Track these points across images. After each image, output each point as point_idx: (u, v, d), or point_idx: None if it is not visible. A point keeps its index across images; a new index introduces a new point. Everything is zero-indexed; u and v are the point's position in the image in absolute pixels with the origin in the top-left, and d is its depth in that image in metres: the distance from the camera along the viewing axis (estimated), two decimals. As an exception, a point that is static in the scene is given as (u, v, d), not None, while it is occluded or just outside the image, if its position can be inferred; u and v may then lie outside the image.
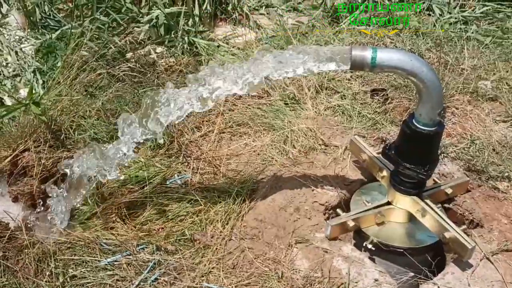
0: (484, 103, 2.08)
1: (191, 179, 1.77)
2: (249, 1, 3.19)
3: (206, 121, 2.01)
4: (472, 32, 2.62)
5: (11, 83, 2.46)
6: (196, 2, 2.78)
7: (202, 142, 1.92)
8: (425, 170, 1.43)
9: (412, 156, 1.44)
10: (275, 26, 2.93)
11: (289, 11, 3.23)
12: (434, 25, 2.68)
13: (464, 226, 1.50)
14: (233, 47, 2.66)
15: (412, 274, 1.44)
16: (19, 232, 1.57)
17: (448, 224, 1.43)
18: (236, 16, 3.00)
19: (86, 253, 1.50)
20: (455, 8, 2.99)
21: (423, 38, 2.51)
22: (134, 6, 2.64)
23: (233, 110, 2.07)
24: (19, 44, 2.74)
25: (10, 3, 2.82)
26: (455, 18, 2.86)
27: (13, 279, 1.42)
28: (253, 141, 1.91)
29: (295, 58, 1.30)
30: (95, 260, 1.47)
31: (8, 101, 2.23)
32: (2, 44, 2.66)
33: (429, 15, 2.97)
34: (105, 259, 1.48)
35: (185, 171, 1.80)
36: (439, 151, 1.69)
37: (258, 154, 1.84)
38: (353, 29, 2.71)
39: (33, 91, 1.80)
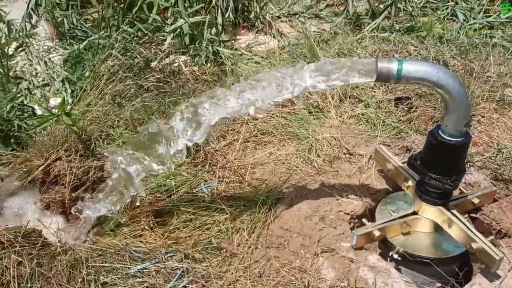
0: (511, 111, 2.06)
1: (217, 187, 1.80)
2: (271, 8, 3.22)
3: (231, 130, 2.03)
4: (498, 38, 2.59)
5: (41, 92, 2.53)
6: (219, 11, 2.83)
7: (227, 151, 1.95)
8: (452, 181, 1.43)
9: (438, 166, 1.44)
10: (298, 33, 2.95)
11: (310, 18, 3.25)
12: (458, 32, 2.67)
13: (491, 237, 1.49)
14: (256, 56, 2.69)
15: (439, 284, 1.44)
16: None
17: (475, 234, 1.43)
18: (258, 24, 3.03)
19: (116, 261, 1.53)
20: (479, 13, 2.97)
21: (448, 45, 2.49)
22: (159, 16, 2.69)
23: (257, 119, 2.09)
24: (48, 54, 2.81)
25: (39, 14, 2.90)
26: (480, 24, 2.84)
27: (47, 285, 1.47)
28: (277, 150, 1.93)
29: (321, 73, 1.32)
30: (125, 267, 1.51)
31: (39, 111, 2.30)
32: (31, 54, 2.74)
33: (453, 20, 2.95)
34: (135, 266, 1.51)
35: (211, 180, 1.83)
36: (465, 161, 1.68)
37: (283, 163, 1.86)
38: (376, 36, 2.71)
39: (64, 102, 1.86)
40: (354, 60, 1.35)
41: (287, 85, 1.35)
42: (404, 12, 3.09)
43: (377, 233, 1.52)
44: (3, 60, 2.32)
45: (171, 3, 2.65)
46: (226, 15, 2.90)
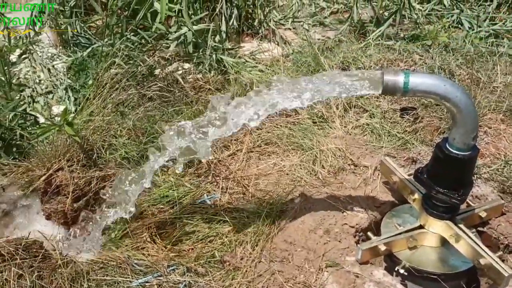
0: (518, 121, 2.04)
1: (220, 199, 1.78)
2: (275, 16, 3.21)
3: (235, 140, 2.01)
4: (504, 47, 2.57)
5: (44, 99, 2.52)
6: (223, 19, 2.81)
7: (230, 161, 1.93)
8: (459, 195, 1.40)
9: (445, 180, 1.42)
10: (302, 41, 2.93)
11: (315, 25, 3.23)
12: (464, 40, 2.64)
13: (500, 252, 1.47)
14: (259, 64, 2.68)
15: (446, 300, 1.42)
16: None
17: (484, 250, 1.40)
18: (262, 31, 3.02)
19: (118, 274, 1.51)
20: (485, 21, 2.95)
21: (453, 54, 2.47)
22: (163, 25, 2.68)
23: (261, 129, 2.07)
24: (51, 61, 2.81)
25: (43, 21, 2.90)
26: (486, 32, 2.81)
27: (48, 299, 1.45)
28: (281, 160, 1.91)
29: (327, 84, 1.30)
30: (127, 280, 1.49)
31: (42, 119, 2.28)
32: (35, 61, 2.74)
33: (459, 28, 2.93)
34: (137, 280, 1.49)
35: (214, 191, 1.81)
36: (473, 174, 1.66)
37: (287, 174, 1.84)
38: (380, 44, 2.70)
39: (67, 112, 1.84)
40: (360, 73, 1.33)
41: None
42: (409, 19, 3.07)
43: (382, 248, 1.49)
44: (6, 68, 2.31)
45: (175, 11, 2.64)
46: (230, 23, 2.89)
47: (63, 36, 2.86)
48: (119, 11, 2.71)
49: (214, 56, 2.55)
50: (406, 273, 1.47)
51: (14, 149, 2.00)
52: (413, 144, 1.94)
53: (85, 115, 2.05)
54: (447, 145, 1.37)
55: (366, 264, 1.50)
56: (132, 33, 2.63)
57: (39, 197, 1.85)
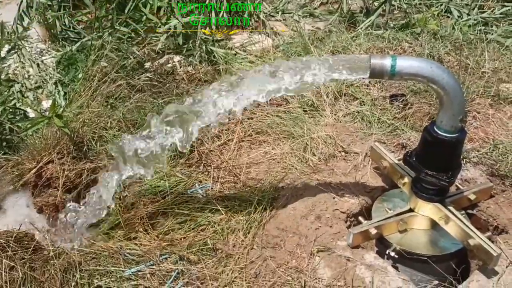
0: (506, 106, 2.05)
1: (211, 188, 1.78)
2: (265, 7, 3.20)
3: (226, 130, 2.02)
4: (492, 34, 2.58)
5: (34, 95, 2.51)
6: (213, 11, 2.81)
7: (222, 151, 1.93)
8: (448, 177, 1.42)
9: (434, 163, 1.43)
10: (292, 32, 2.93)
11: (305, 16, 3.23)
12: (453, 28, 2.65)
13: (488, 233, 1.48)
14: (250, 55, 2.68)
15: (436, 282, 1.43)
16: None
17: (473, 231, 1.42)
18: (252, 23, 3.01)
19: (110, 264, 1.52)
20: (474, 9, 2.96)
21: (442, 42, 2.48)
22: (153, 16, 2.67)
23: (252, 118, 2.07)
24: (40, 56, 2.79)
25: (31, 16, 2.88)
26: (475, 20, 2.83)
27: (40, 290, 1.45)
28: (272, 149, 1.91)
29: (314, 68, 1.31)
30: (119, 270, 1.49)
31: (32, 113, 2.27)
32: (24, 56, 2.72)
33: (448, 17, 2.94)
34: (129, 269, 1.49)
35: (205, 180, 1.82)
36: (461, 157, 1.67)
37: (278, 162, 1.85)
38: (370, 34, 2.70)
39: (56, 104, 1.83)
40: (347, 57, 1.34)
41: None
42: (399, 9, 3.08)
43: (373, 231, 1.50)
44: (-6, 63, 2.30)
45: (165, 2, 2.63)
46: (220, 15, 2.89)
47: (52, 30, 2.84)
48: (107, 4, 2.69)
49: (204, 47, 2.54)
50: (397, 256, 1.49)
51: (4, 143, 1.99)
52: (403, 130, 1.95)
53: (75, 107, 2.04)
54: (434, 128, 1.39)
55: (358, 248, 1.51)
56: (122, 25, 2.62)
57: (30, 191, 1.85)
